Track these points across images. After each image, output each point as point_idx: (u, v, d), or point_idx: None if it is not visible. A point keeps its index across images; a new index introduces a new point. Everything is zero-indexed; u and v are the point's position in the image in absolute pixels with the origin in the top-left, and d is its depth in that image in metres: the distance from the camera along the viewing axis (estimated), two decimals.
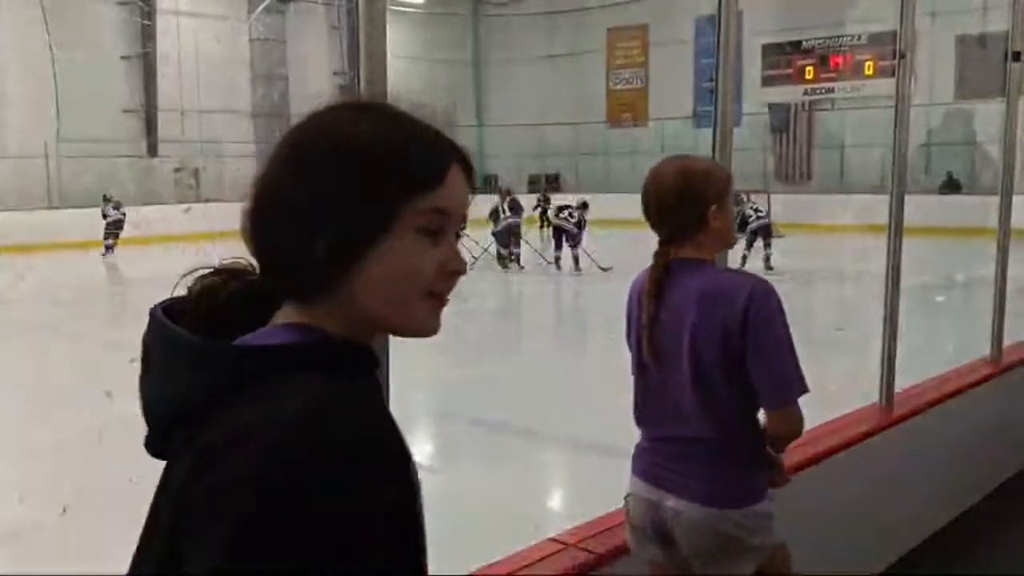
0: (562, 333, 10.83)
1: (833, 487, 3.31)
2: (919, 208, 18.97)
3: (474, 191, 0.95)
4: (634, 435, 2.21)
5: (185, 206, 20.19)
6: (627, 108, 28.67)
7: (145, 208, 19.61)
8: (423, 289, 0.88)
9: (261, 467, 0.75)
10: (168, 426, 0.89)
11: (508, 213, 15.54)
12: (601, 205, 18.15)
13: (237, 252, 0.95)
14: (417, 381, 7.48)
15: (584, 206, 15.44)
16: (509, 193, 16.15)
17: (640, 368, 2.16)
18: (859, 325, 9.71)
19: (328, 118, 0.92)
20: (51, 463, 5.33)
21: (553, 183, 27.40)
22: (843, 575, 3.43)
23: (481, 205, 21.13)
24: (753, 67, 24.72)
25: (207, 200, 23.23)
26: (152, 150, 23.48)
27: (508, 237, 15.37)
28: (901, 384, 3.88)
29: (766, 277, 2.17)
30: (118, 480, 4.77)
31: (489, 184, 29.33)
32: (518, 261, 15.38)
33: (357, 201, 0.85)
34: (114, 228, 18.14)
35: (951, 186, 21.63)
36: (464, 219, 0.91)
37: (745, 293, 2.00)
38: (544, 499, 5.13)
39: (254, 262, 0.93)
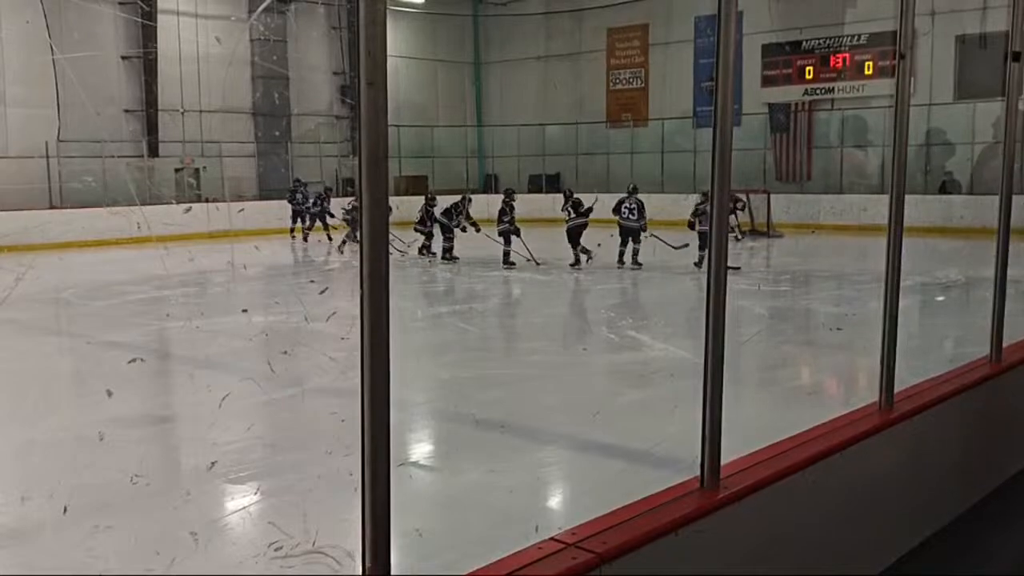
0: (563, 332, 10.82)
1: (833, 487, 3.31)
2: (919, 208, 19.00)
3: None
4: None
5: (186, 206, 20.18)
6: (627, 108, 28.67)
7: (146, 208, 19.60)
8: None
9: None
10: None
11: (573, 214, 15.35)
12: (599, 205, 18.14)
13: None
14: (417, 381, 7.49)
15: (635, 191, 15.31)
16: (571, 193, 15.99)
17: None
18: (857, 325, 9.72)
19: None
20: (52, 463, 5.32)
21: (554, 183, 27.41)
22: (843, 575, 3.43)
23: (479, 204, 21.14)
24: (753, 67, 24.72)
25: (208, 200, 23.24)
26: (152, 150, 23.48)
27: (576, 239, 15.19)
28: (901, 384, 3.88)
29: None
30: (118, 480, 4.79)
31: (489, 184, 29.42)
32: (579, 262, 15.16)
33: None
34: None
35: (951, 186, 21.64)
36: None
37: None
38: (544, 499, 5.12)
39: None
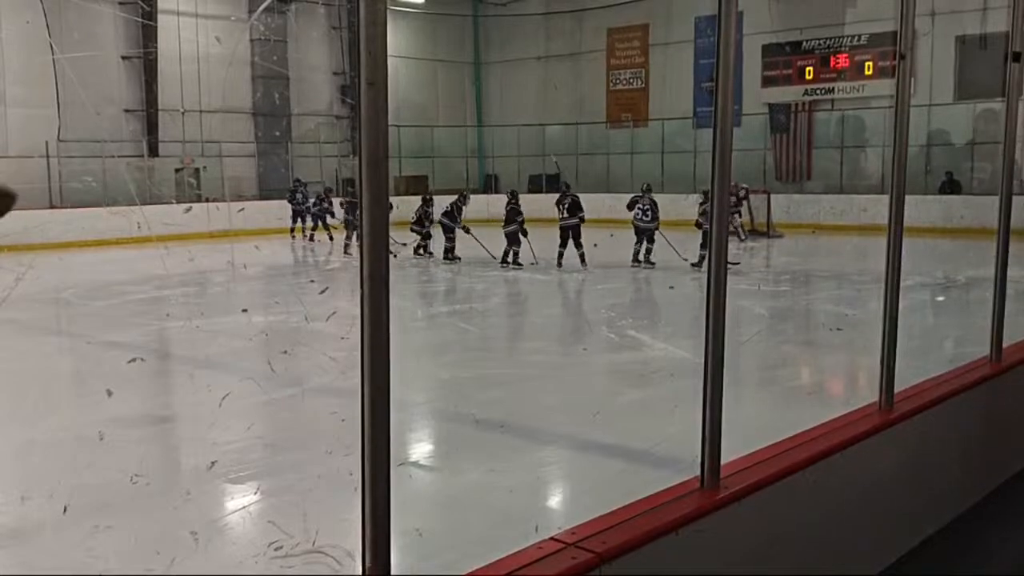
0: (563, 332, 10.82)
1: (833, 487, 3.31)
2: (919, 208, 19.06)
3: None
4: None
5: (186, 206, 20.19)
6: (627, 108, 28.67)
7: (146, 208, 19.60)
8: None
9: None
10: None
11: (566, 215, 15.37)
12: (599, 204, 18.11)
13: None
14: (417, 381, 7.49)
15: (649, 190, 15.49)
16: (567, 190, 15.99)
17: None
18: (857, 325, 9.72)
19: None
20: (52, 463, 5.32)
21: (554, 183, 27.41)
22: (843, 575, 3.43)
23: (479, 204, 21.15)
24: (753, 67, 24.72)
25: (208, 200, 23.24)
26: (152, 150, 23.48)
27: (566, 239, 15.25)
28: (901, 384, 3.88)
29: None
30: (118, 480, 4.78)
31: (489, 184, 29.44)
32: (583, 260, 15.20)
33: None
34: None
35: (951, 186, 21.65)
36: None
37: None
38: (544, 499, 5.12)
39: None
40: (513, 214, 15.70)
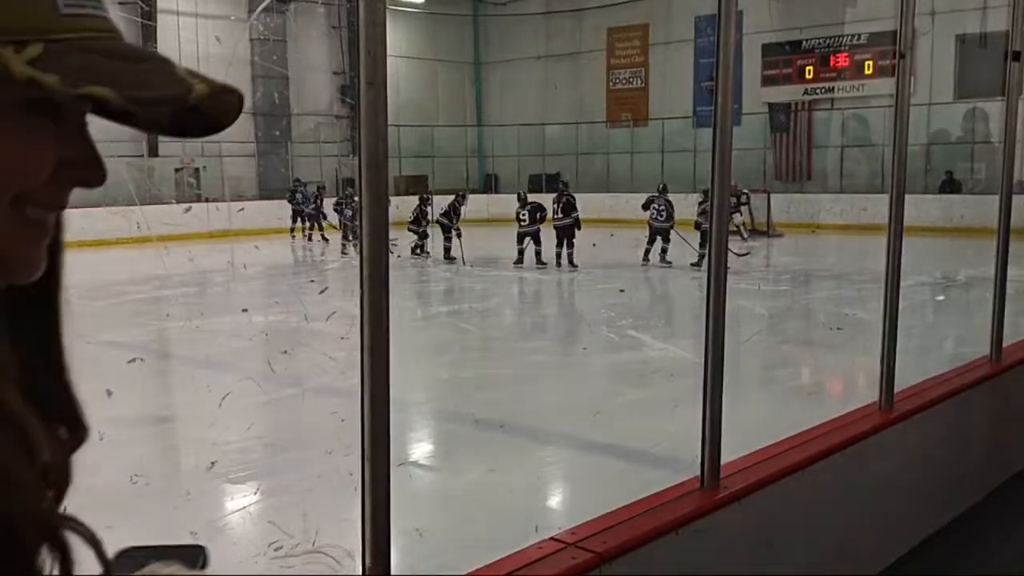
0: (563, 332, 10.82)
1: (833, 487, 3.31)
2: (919, 207, 19.10)
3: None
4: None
5: (186, 206, 20.18)
6: (627, 108, 28.67)
7: (146, 208, 19.59)
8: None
9: None
10: None
11: (561, 215, 15.45)
12: (599, 204, 18.10)
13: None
14: (417, 381, 7.49)
15: (665, 190, 15.59)
16: (564, 189, 16.01)
17: None
18: (857, 325, 9.72)
19: None
20: None
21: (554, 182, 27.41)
22: (843, 575, 3.43)
23: (479, 204, 21.14)
24: (753, 67, 24.72)
25: (208, 200, 23.23)
26: (152, 150, 23.46)
27: (562, 238, 15.33)
28: (901, 384, 3.88)
29: None
30: (118, 480, 4.78)
31: (489, 184, 29.44)
32: (571, 261, 15.29)
33: None
34: None
35: (951, 186, 21.64)
36: None
37: None
38: (544, 499, 5.13)
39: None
40: (534, 212, 15.69)
